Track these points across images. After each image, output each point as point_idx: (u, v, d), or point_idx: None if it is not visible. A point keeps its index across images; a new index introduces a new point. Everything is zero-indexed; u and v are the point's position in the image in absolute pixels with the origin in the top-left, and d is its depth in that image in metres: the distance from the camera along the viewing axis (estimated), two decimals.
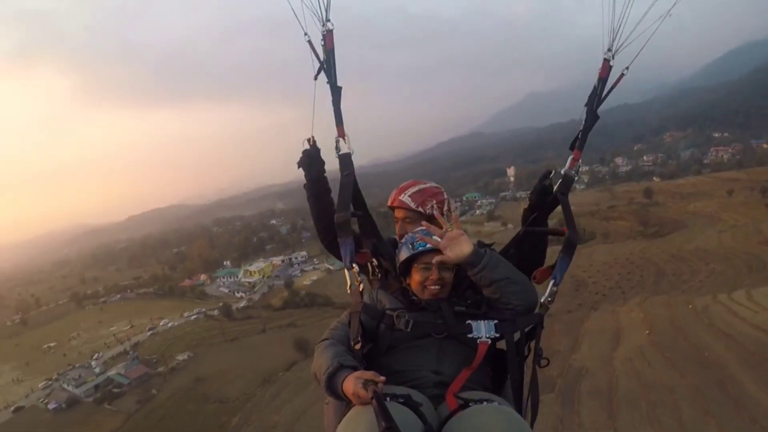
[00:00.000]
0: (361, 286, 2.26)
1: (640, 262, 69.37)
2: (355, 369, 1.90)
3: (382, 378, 1.77)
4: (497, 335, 2.10)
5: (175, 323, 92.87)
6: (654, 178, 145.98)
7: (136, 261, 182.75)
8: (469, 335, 2.08)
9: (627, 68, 2.38)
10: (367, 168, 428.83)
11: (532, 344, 2.26)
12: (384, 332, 2.17)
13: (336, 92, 2.45)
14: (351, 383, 1.79)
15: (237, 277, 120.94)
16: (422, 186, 2.82)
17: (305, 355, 55.48)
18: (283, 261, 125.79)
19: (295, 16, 2.30)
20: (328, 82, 2.44)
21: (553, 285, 2.31)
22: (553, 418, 28.98)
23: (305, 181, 2.62)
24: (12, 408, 68.82)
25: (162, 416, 56.48)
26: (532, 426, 2.05)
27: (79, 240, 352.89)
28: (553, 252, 2.48)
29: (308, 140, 2.58)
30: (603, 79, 2.41)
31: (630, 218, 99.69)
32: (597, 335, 41.90)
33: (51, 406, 65.89)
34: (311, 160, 2.59)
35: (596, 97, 2.43)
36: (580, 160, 2.52)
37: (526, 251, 2.60)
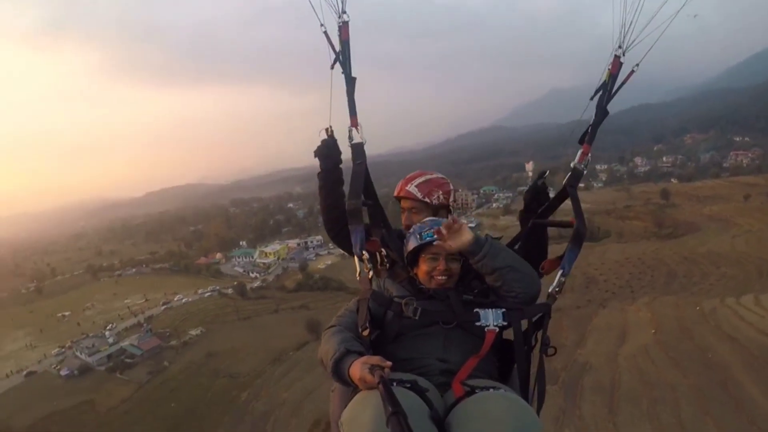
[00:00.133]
0: (371, 274, 2.28)
1: (651, 263, 69.12)
2: (361, 354, 1.90)
3: (389, 363, 1.77)
4: (505, 323, 2.12)
5: (189, 299, 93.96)
6: (672, 180, 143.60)
7: (152, 236, 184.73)
8: (477, 323, 2.10)
9: (637, 65, 2.41)
10: (387, 156, 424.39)
11: (539, 335, 2.29)
12: (392, 320, 2.17)
13: (350, 83, 2.49)
14: (357, 368, 1.80)
15: (252, 257, 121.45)
16: (429, 176, 2.85)
17: (317, 336, 55.25)
18: (298, 244, 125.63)
19: (312, 7, 2.33)
20: (342, 73, 2.50)
21: (561, 275, 2.31)
22: (555, 409, 29.58)
23: (319, 170, 2.67)
24: (24, 372, 70.45)
25: (173, 388, 57.71)
26: (538, 414, 2.04)
27: (97, 213, 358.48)
28: (555, 250, 2.54)
29: (326, 130, 2.63)
30: (614, 75, 2.45)
31: (645, 219, 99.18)
32: (604, 332, 42.22)
33: (63, 373, 67.44)
34: (329, 149, 2.64)
35: (606, 93, 2.48)
36: (590, 154, 2.58)
37: (531, 245, 2.65)
